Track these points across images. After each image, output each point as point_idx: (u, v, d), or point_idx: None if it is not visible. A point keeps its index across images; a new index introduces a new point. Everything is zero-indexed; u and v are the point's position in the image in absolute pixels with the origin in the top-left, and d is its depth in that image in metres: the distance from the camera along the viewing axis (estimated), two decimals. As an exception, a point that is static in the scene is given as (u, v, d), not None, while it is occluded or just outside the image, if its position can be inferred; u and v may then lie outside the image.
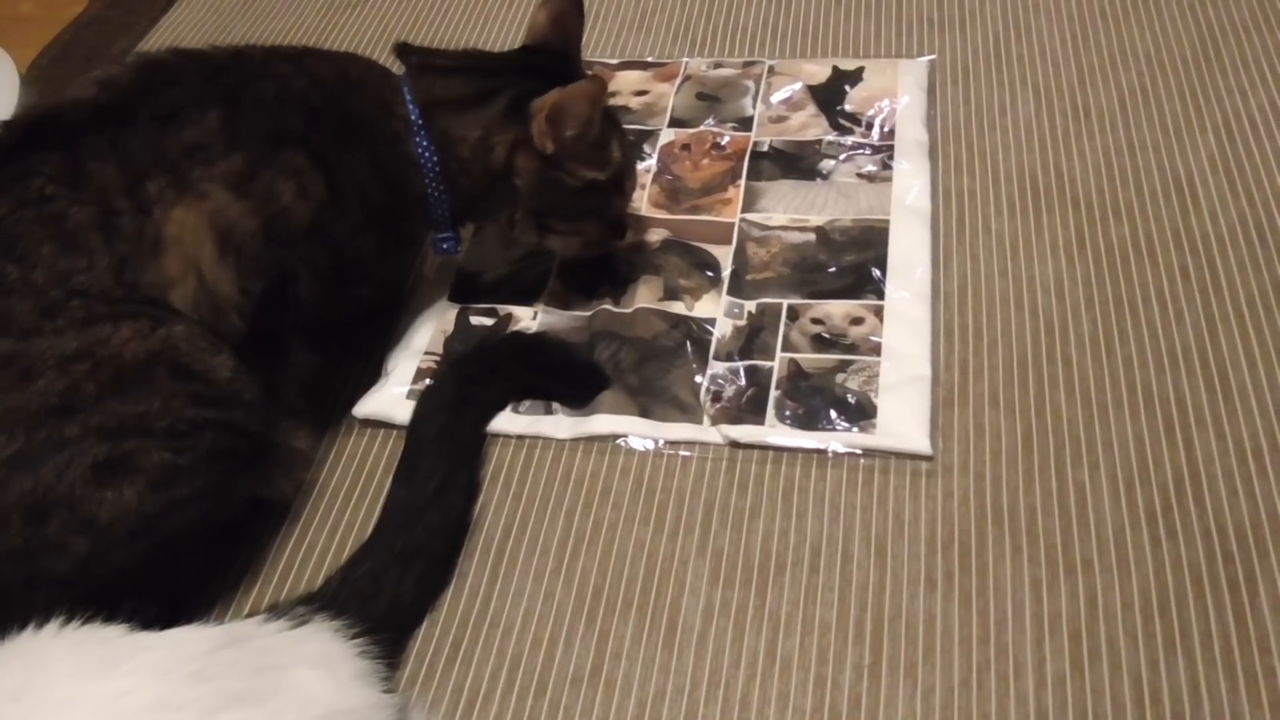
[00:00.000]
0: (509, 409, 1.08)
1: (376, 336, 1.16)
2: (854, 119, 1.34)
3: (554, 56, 1.13)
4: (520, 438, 1.07)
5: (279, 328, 0.99)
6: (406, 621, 0.93)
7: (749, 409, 1.05)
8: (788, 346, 1.10)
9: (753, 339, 1.11)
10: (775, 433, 1.03)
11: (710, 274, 1.18)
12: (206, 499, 0.91)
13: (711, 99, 1.39)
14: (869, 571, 0.94)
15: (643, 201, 1.26)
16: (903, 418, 1.03)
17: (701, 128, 1.35)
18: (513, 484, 1.03)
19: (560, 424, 1.07)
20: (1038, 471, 0.99)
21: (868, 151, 1.29)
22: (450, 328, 1.16)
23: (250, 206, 0.94)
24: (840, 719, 0.85)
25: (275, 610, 0.85)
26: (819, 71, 1.41)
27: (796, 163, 1.29)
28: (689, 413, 1.06)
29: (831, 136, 1.32)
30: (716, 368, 1.09)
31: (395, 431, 1.07)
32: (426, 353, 1.13)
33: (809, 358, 1.09)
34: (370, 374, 1.13)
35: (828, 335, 1.11)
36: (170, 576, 0.93)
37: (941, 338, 1.10)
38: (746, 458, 1.03)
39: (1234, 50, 1.38)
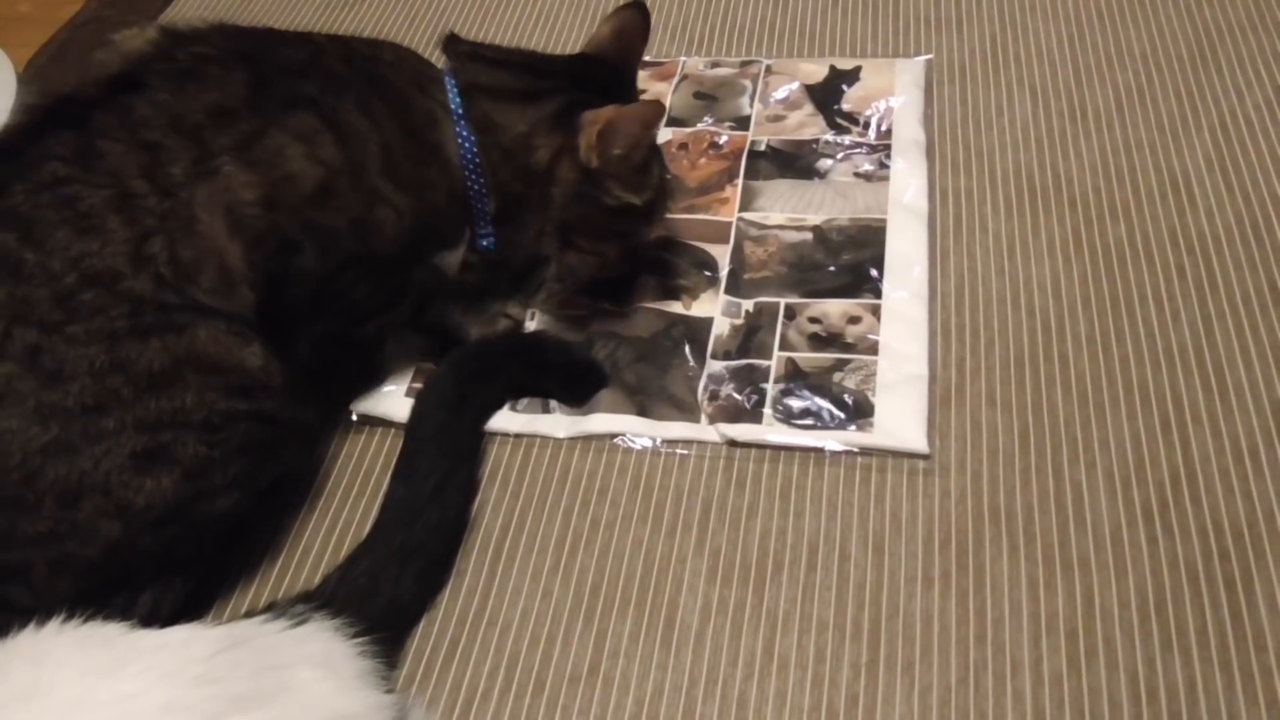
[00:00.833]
0: (507, 407, 1.08)
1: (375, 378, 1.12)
2: (851, 118, 1.34)
3: (609, 69, 1.11)
4: (518, 436, 1.07)
5: (284, 305, 0.97)
6: (405, 619, 0.93)
7: (746, 408, 1.05)
8: (785, 345, 1.10)
9: (750, 338, 1.11)
10: (773, 431, 1.03)
11: (708, 273, 1.18)
12: (237, 488, 0.92)
13: (709, 98, 1.39)
14: (866, 570, 0.94)
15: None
16: (900, 416, 1.03)
17: (699, 127, 1.35)
18: (510, 482, 1.03)
19: (558, 422, 1.07)
20: (1034, 470, 0.99)
21: (865, 151, 1.29)
22: (448, 327, 1.16)
23: (256, 175, 0.92)
24: (838, 717, 0.85)
25: (275, 609, 0.85)
26: (816, 71, 1.41)
27: (794, 162, 1.30)
28: (687, 411, 1.06)
29: (829, 136, 1.32)
30: (714, 367, 1.09)
31: (393, 429, 1.07)
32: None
33: (806, 357, 1.09)
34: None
35: (825, 334, 1.11)
36: (192, 563, 0.94)
37: (939, 337, 1.10)
38: (744, 456, 1.03)
39: (1230, 50, 1.39)
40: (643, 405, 1.07)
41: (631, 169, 1.06)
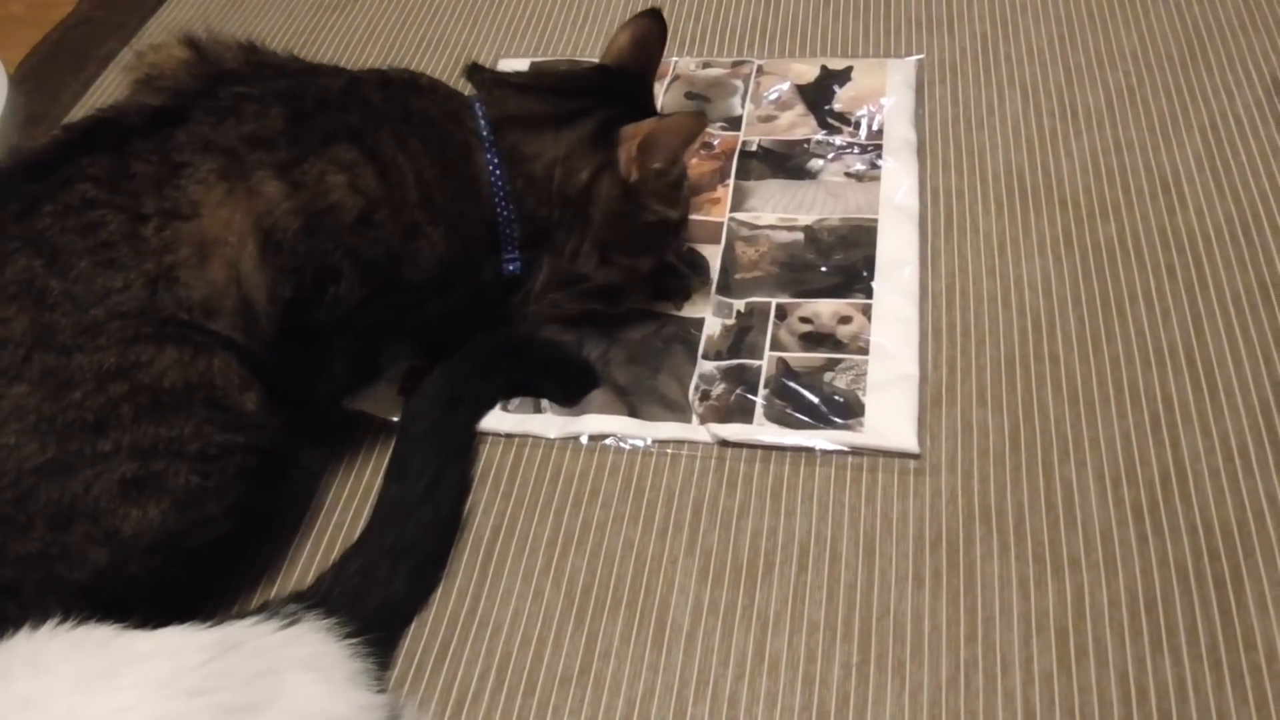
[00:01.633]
0: (498, 407, 1.08)
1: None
2: (842, 118, 1.34)
3: (631, 80, 1.11)
4: (509, 436, 1.07)
5: (318, 331, 0.96)
6: (398, 619, 0.93)
7: (737, 408, 1.05)
8: (776, 345, 1.10)
9: (741, 338, 1.11)
10: (764, 431, 1.03)
11: (699, 273, 1.18)
12: (228, 519, 0.92)
13: (700, 98, 1.39)
14: (857, 570, 0.94)
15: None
16: (891, 416, 1.03)
17: (690, 127, 1.35)
18: (502, 483, 1.03)
19: (550, 423, 1.07)
20: (1025, 469, 0.99)
21: (856, 151, 1.30)
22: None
23: (299, 200, 0.91)
24: (829, 717, 0.85)
25: (267, 608, 0.85)
26: (807, 71, 1.41)
27: (785, 162, 1.30)
28: (678, 412, 1.06)
29: (820, 136, 1.32)
30: (705, 367, 1.09)
31: (385, 429, 1.07)
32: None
33: (797, 357, 1.09)
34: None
35: (816, 334, 1.11)
36: (181, 590, 0.93)
37: (929, 336, 1.10)
38: (735, 456, 1.03)
39: (1220, 50, 1.39)
40: (634, 405, 1.07)
41: (668, 184, 1.06)
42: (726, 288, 1.16)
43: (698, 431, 1.04)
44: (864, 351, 1.09)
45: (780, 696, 0.87)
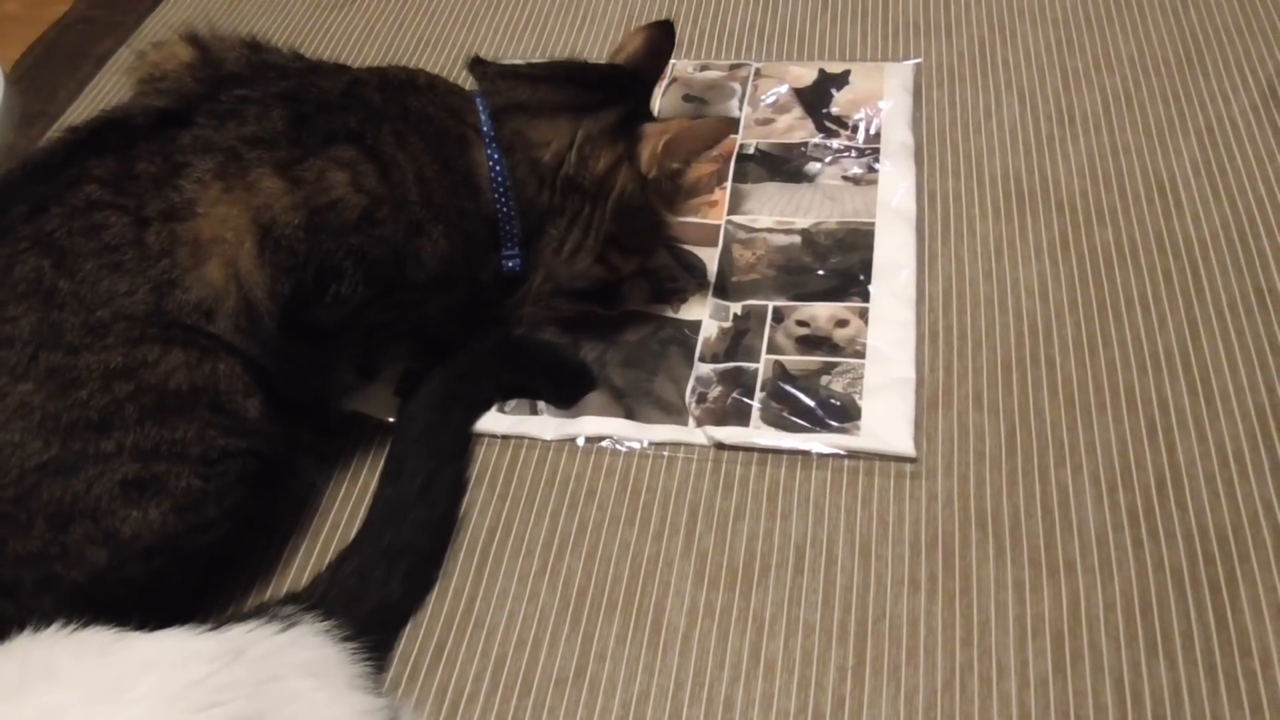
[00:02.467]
0: (495, 408, 1.08)
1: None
2: (840, 122, 1.34)
3: (640, 84, 1.13)
4: (506, 438, 1.07)
5: (321, 331, 0.96)
6: (394, 619, 0.93)
7: (734, 411, 1.05)
8: (773, 349, 1.10)
9: (738, 341, 1.11)
10: (760, 434, 1.03)
11: (696, 276, 1.18)
12: (226, 523, 0.91)
13: (698, 101, 1.39)
14: (853, 573, 0.94)
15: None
16: (887, 420, 1.03)
17: (688, 130, 1.35)
18: (498, 484, 1.03)
19: (546, 424, 1.07)
20: (1021, 473, 0.99)
21: (853, 154, 1.30)
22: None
23: (300, 197, 0.91)
24: (824, 720, 0.86)
25: (265, 611, 0.85)
26: (805, 74, 1.41)
27: (782, 165, 1.30)
28: (674, 414, 1.06)
29: (817, 139, 1.32)
30: (702, 369, 1.09)
31: (381, 430, 1.07)
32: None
33: (794, 360, 1.09)
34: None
35: (813, 337, 1.11)
36: (178, 592, 0.93)
37: (926, 340, 1.10)
38: (731, 459, 1.03)
39: (1217, 55, 1.39)
40: (631, 408, 1.07)
41: (676, 187, 1.09)
42: (723, 290, 1.16)
43: (694, 434, 1.04)
44: (860, 355, 1.09)
45: (775, 699, 0.87)
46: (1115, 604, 0.90)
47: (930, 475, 1.00)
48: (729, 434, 1.03)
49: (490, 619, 0.94)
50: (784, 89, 1.39)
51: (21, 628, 0.73)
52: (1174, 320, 1.10)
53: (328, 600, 0.89)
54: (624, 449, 1.05)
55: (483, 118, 1.04)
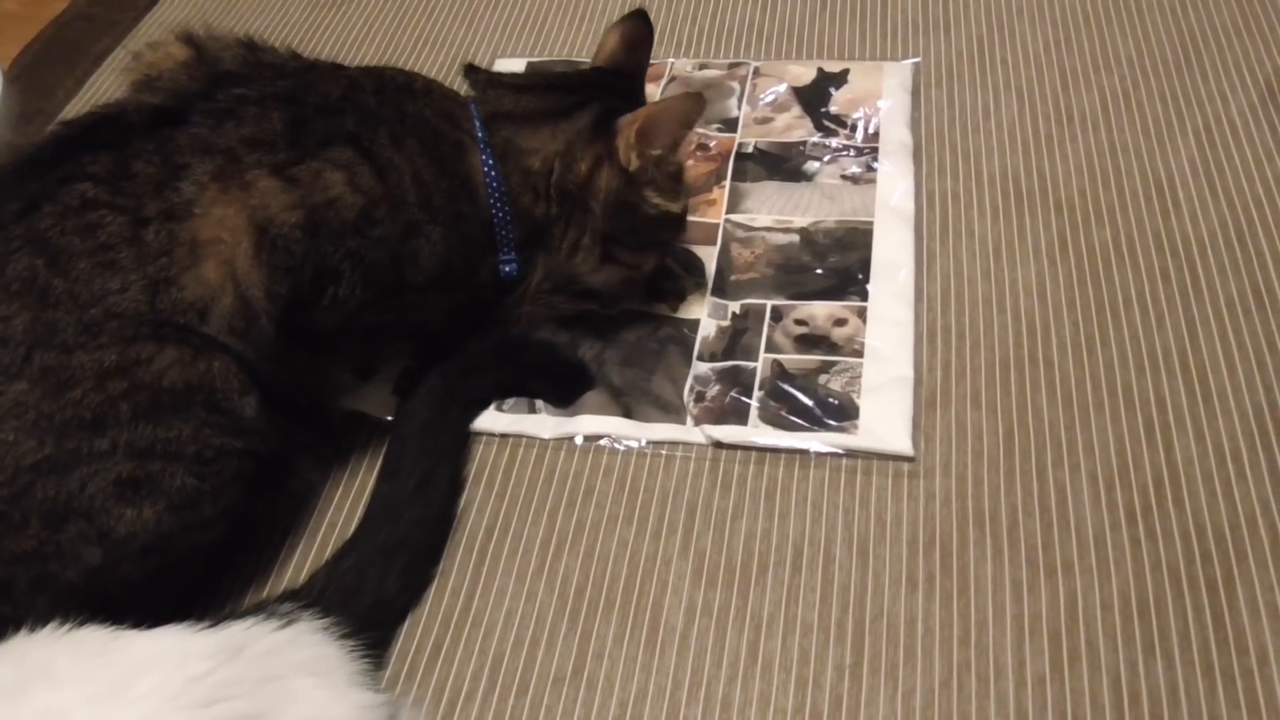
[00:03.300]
0: (493, 407, 1.08)
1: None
2: (839, 121, 1.34)
3: (625, 79, 1.12)
4: (504, 436, 1.07)
5: (319, 334, 0.96)
6: (392, 616, 0.93)
7: (732, 409, 1.05)
8: (771, 347, 1.10)
9: (736, 340, 1.11)
10: (758, 433, 1.03)
11: (695, 275, 1.18)
12: (221, 523, 0.91)
13: (697, 100, 1.39)
14: (850, 572, 0.94)
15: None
16: (885, 419, 1.03)
17: (686, 129, 1.35)
18: (495, 483, 1.03)
19: (544, 423, 1.07)
20: (1019, 473, 0.99)
21: (852, 153, 1.30)
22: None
23: (296, 197, 0.91)
24: (821, 719, 0.86)
25: (263, 608, 0.85)
26: (804, 73, 1.41)
27: (781, 164, 1.30)
28: (672, 413, 1.06)
29: (816, 138, 1.32)
30: (700, 368, 1.09)
31: (381, 428, 1.07)
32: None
33: (792, 359, 1.09)
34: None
35: (811, 336, 1.11)
36: (173, 592, 0.93)
37: (924, 339, 1.10)
38: (729, 458, 1.03)
39: (1215, 55, 1.39)
40: (629, 406, 1.07)
41: (668, 175, 1.06)
42: (722, 289, 1.16)
43: (692, 433, 1.04)
44: (859, 354, 1.09)
45: (773, 698, 0.87)
46: (1113, 603, 0.90)
47: (928, 474, 1.00)
48: (727, 433, 1.03)
49: (488, 617, 0.94)
50: (783, 88, 1.39)
51: (18, 628, 0.73)
52: (1172, 320, 1.10)
53: (325, 597, 0.89)
54: (622, 448, 1.05)
55: (477, 124, 1.04)
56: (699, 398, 1.07)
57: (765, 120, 1.36)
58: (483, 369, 1.10)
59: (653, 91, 1.40)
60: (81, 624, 0.73)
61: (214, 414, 0.88)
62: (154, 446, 0.86)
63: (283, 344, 0.92)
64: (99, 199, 0.87)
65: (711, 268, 1.18)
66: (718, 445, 1.04)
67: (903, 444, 1.01)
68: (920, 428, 1.03)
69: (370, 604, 0.91)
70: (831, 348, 1.10)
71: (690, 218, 1.23)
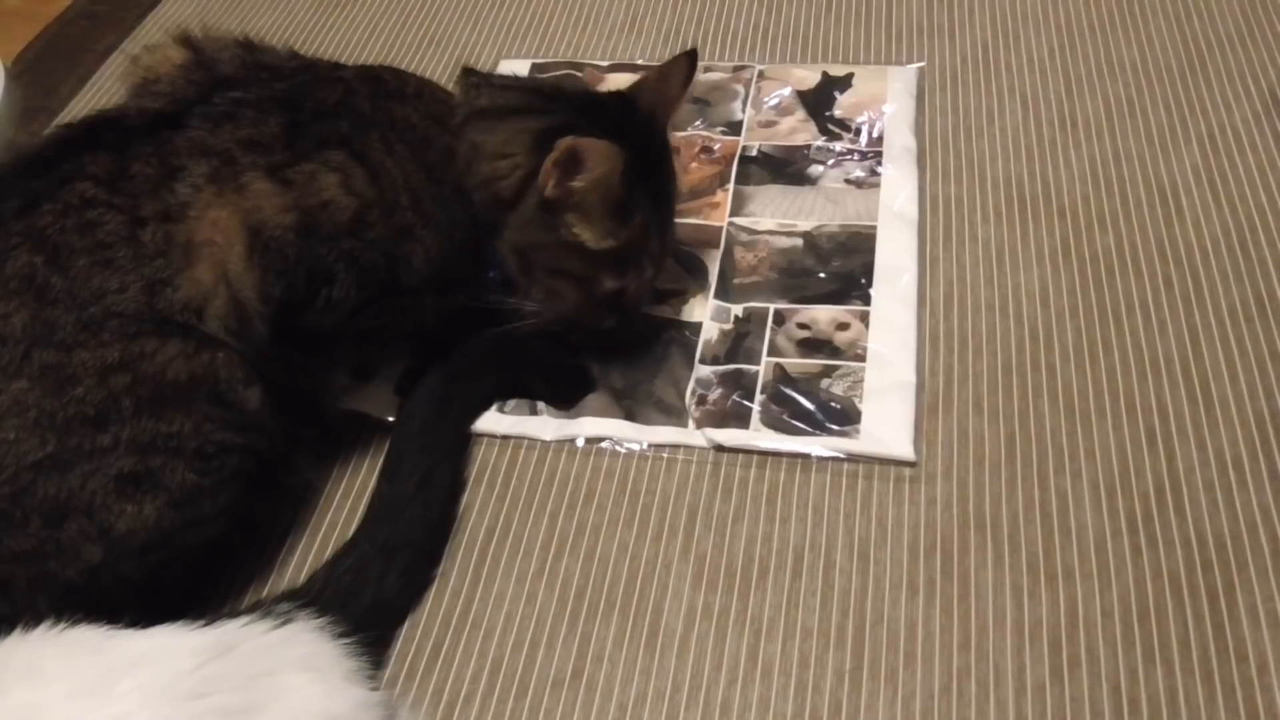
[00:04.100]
0: (494, 409, 1.08)
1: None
2: (843, 125, 1.34)
3: (632, 110, 1.07)
4: (505, 438, 1.07)
5: (314, 336, 0.96)
6: (391, 616, 0.93)
7: (734, 413, 1.05)
8: (773, 351, 1.10)
9: (739, 343, 1.11)
10: (760, 437, 1.03)
11: (697, 278, 1.18)
12: (222, 520, 0.91)
13: (701, 102, 1.39)
14: (851, 577, 0.94)
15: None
16: (887, 423, 1.03)
17: (690, 131, 1.35)
18: (496, 485, 1.03)
19: (545, 425, 1.07)
20: (1020, 479, 0.99)
21: (856, 157, 1.30)
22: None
23: (290, 199, 0.91)
24: (821, 724, 0.86)
25: (259, 608, 0.85)
26: (808, 77, 1.41)
27: (785, 167, 1.30)
28: (674, 416, 1.06)
29: (820, 142, 1.32)
30: (702, 371, 1.09)
31: (382, 429, 1.07)
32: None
33: (794, 363, 1.09)
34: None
35: (814, 340, 1.11)
36: (172, 590, 0.93)
37: (926, 344, 1.10)
38: (731, 462, 1.03)
39: (1219, 62, 1.39)
40: (630, 409, 1.07)
41: (600, 204, 1.00)
42: (725, 292, 1.16)
43: (694, 436, 1.04)
44: (861, 358, 1.09)
45: (773, 702, 0.87)
46: (1113, 610, 0.90)
47: (930, 480, 1.00)
48: (729, 436, 1.03)
49: (488, 619, 0.94)
50: (787, 91, 1.39)
51: (14, 623, 0.73)
52: (1174, 327, 1.10)
53: (324, 597, 0.89)
54: (623, 450, 1.05)
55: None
56: (701, 401, 1.07)
57: (769, 124, 1.36)
58: (484, 369, 1.09)
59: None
60: (75, 623, 0.73)
61: (217, 407, 0.88)
62: (155, 441, 0.86)
63: (278, 345, 0.92)
64: (98, 198, 0.87)
65: (714, 271, 1.18)
66: (719, 448, 1.04)
67: (904, 449, 1.01)
68: (922, 433, 1.03)
69: (369, 604, 0.91)
70: (834, 352, 1.10)
71: (693, 220, 1.24)
